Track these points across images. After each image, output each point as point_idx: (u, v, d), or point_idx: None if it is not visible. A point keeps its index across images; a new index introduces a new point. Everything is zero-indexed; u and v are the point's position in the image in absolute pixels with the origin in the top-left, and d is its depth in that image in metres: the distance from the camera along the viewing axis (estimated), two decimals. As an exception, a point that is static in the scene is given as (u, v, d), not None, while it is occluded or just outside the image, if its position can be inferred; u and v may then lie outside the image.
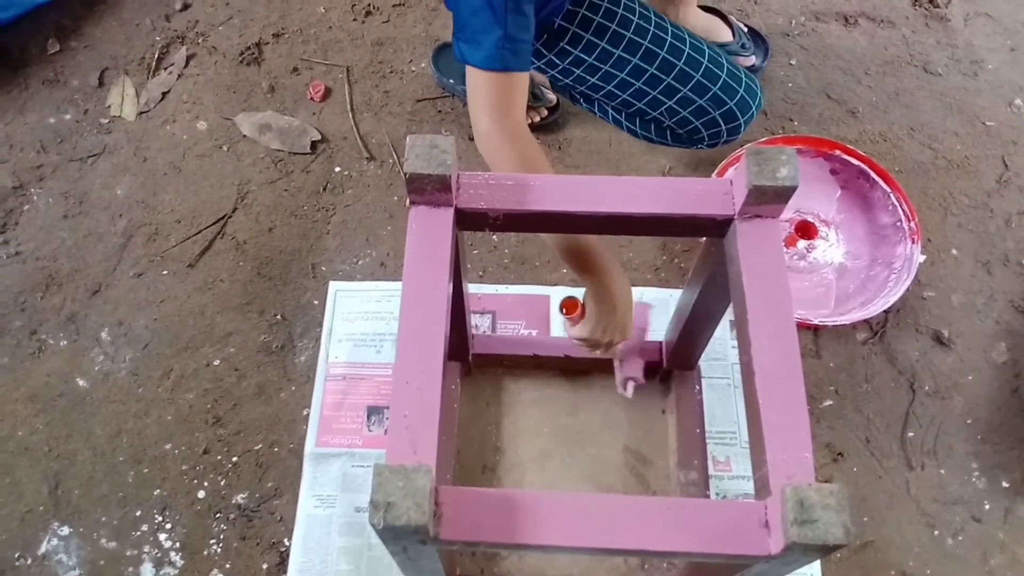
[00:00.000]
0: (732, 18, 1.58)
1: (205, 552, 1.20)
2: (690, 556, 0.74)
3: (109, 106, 1.59)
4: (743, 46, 1.56)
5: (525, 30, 1.04)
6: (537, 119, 1.51)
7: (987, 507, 1.23)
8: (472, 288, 1.37)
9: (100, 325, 1.37)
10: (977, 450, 1.27)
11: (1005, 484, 1.25)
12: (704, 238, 0.91)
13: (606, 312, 1.03)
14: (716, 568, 0.84)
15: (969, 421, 1.29)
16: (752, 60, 1.57)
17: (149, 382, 1.32)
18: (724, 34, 1.57)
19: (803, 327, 1.33)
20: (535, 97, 1.48)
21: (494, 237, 1.43)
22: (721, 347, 1.32)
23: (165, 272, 1.42)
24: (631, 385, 1.18)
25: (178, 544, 1.21)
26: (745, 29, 1.59)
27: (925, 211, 1.45)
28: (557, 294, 1.38)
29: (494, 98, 1.04)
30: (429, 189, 0.79)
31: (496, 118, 1.03)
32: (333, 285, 1.39)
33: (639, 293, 1.38)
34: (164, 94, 1.60)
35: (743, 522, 0.66)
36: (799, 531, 0.61)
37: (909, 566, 1.19)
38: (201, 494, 1.24)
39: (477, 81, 1.04)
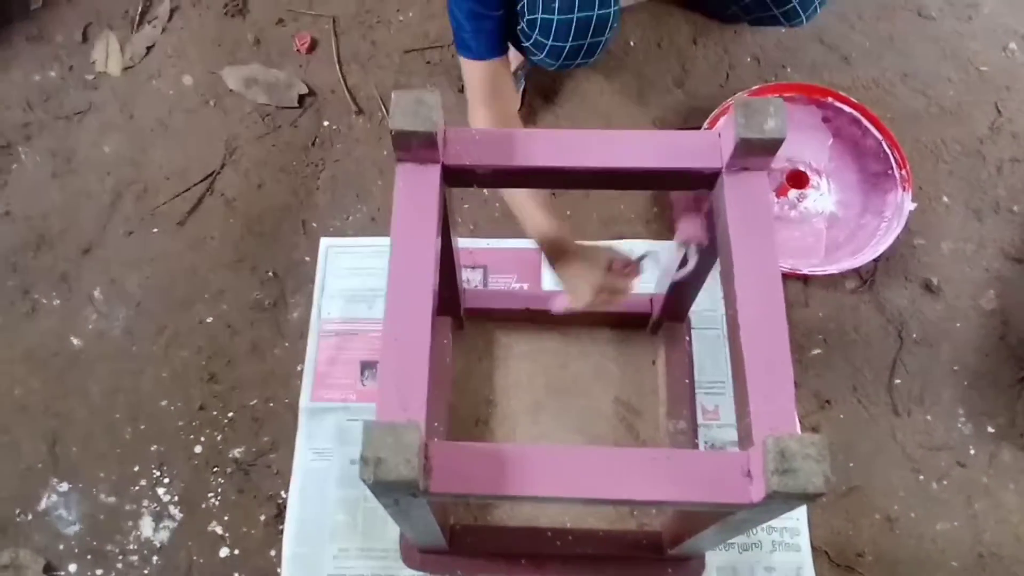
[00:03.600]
0: None
1: (204, 505, 1.22)
2: (676, 505, 0.76)
3: (94, 62, 1.57)
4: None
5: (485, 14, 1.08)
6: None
7: (972, 452, 1.26)
8: (463, 242, 1.37)
9: (92, 284, 1.37)
10: (963, 396, 1.29)
11: (991, 429, 1.27)
12: (693, 191, 0.91)
13: (571, 286, 1.04)
14: (702, 515, 0.86)
15: (956, 368, 1.31)
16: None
17: (143, 340, 1.33)
18: None
19: (793, 277, 1.34)
20: None
21: (485, 191, 1.43)
22: (711, 298, 1.33)
23: (156, 230, 1.42)
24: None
25: (177, 498, 1.23)
26: None
27: (917, 158, 1.45)
28: (548, 247, 1.38)
29: (472, 87, 1.14)
30: (415, 146, 0.78)
31: (473, 104, 1.14)
32: (324, 241, 1.39)
33: (629, 245, 1.38)
34: (149, 48, 1.58)
35: (726, 472, 0.68)
36: (780, 480, 0.62)
37: (894, 510, 1.21)
38: (198, 449, 1.26)
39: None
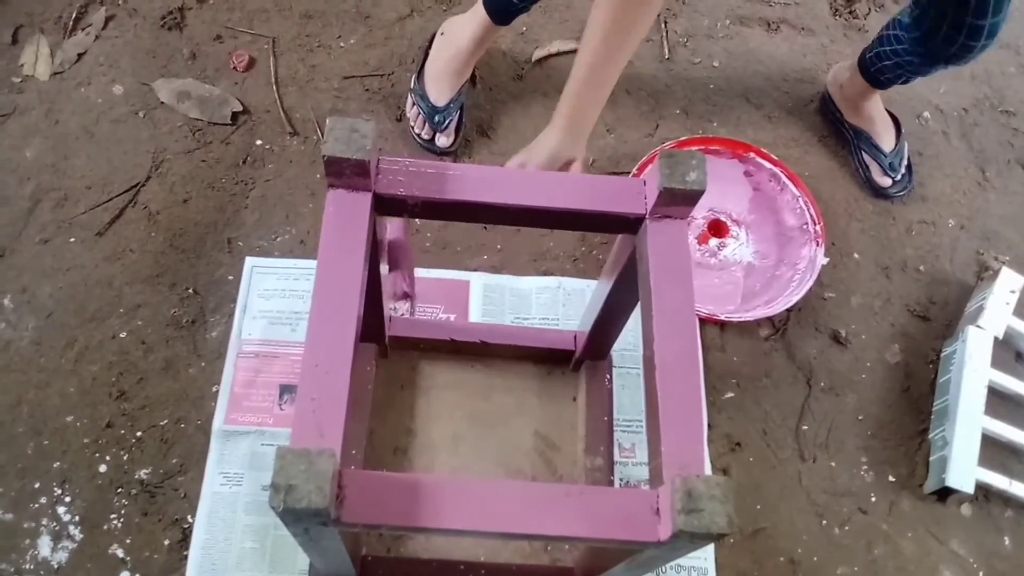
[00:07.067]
0: (904, 134, 1.58)
1: (105, 527, 1.18)
2: (587, 541, 0.77)
3: (22, 65, 1.52)
4: (891, 165, 1.55)
5: None
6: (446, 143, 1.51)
7: (873, 500, 1.30)
8: (391, 270, 1.37)
9: (2, 292, 1.32)
10: (866, 445, 1.34)
11: (891, 479, 1.32)
12: (618, 234, 0.94)
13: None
14: (612, 551, 0.87)
15: (860, 417, 1.36)
16: (888, 181, 1.55)
17: (52, 352, 1.29)
18: (888, 141, 1.57)
19: (710, 322, 1.38)
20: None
21: (416, 221, 1.43)
22: (633, 338, 1.36)
23: (73, 240, 1.37)
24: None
25: (77, 518, 1.18)
26: (907, 154, 1.58)
27: (831, 216, 1.52)
28: (477, 279, 1.39)
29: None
30: (347, 173, 0.79)
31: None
32: (249, 261, 1.37)
33: (556, 283, 1.40)
34: (80, 55, 1.55)
35: (636, 509, 0.69)
36: (686, 519, 0.64)
37: (797, 553, 1.25)
38: (103, 468, 1.21)
39: None
